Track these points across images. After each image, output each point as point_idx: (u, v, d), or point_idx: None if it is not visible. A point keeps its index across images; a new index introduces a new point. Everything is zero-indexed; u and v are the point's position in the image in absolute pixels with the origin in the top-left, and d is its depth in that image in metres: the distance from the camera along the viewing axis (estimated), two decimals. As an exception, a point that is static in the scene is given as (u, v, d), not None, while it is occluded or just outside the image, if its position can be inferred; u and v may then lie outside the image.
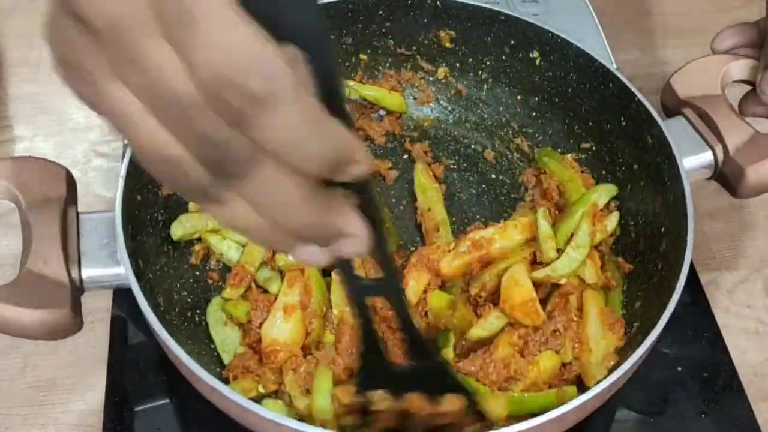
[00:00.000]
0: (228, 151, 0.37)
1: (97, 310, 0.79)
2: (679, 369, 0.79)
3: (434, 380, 0.65)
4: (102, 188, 0.91)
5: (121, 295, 0.80)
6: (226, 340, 0.74)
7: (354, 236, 0.43)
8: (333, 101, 0.39)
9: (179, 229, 0.76)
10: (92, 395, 0.75)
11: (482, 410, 0.66)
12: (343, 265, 0.55)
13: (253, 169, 0.38)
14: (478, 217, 0.86)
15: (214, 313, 0.76)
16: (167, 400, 0.75)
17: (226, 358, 0.73)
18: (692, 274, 0.84)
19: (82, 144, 0.95)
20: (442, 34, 0.90)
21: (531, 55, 0.88)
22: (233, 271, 0.76)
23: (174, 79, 0.35)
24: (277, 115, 0.36)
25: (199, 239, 0.79)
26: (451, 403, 0.64)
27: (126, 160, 0.70)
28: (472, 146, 0.93)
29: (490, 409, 0.66)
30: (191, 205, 0.79)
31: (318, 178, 0.39)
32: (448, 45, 0.91)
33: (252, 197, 0.39)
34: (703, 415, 0.76)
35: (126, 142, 0.41)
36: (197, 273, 0.78)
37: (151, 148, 0.38)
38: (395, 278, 0.59)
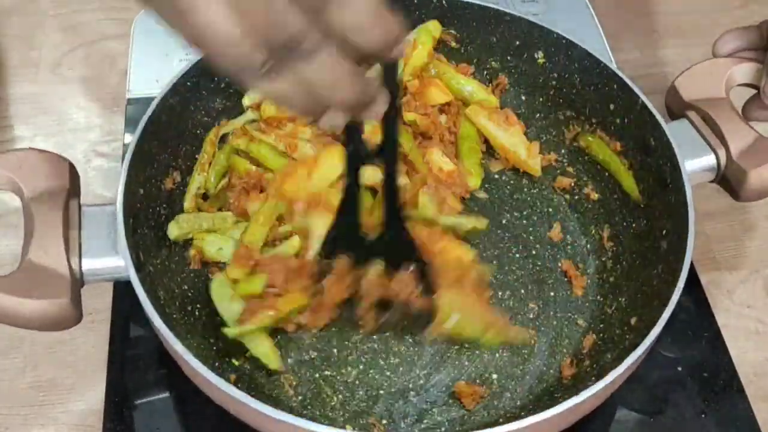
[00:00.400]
0: (298, 36, 0.44)
1: (98, 310, 0.79)
2: (679, 369, 0.78)
3: (396, 250, 0.69)
4: (102, 188, 0.91)
5: (122, 295, 0.80)
6: (234, 314, 0.73)
7: (380, 102, 0.53)
8: None
9: (176, 229, 0.76)
10: (92, 395, 0.75)
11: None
12: (353, 132, 0.60)
13: (317, 53, 0.46)
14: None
15: (218, 289, 0.74)
16: (167, 400, 0.75)
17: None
18: (692, 274, 0.84)
19: (82, 144, 0.95)
20: (447, 34, 0.91)
21: (536, 56, 0.88)
22: (237, 253, 0.75)
23: None
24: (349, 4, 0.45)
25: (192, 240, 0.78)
26: (403, 283, 0.70)
27: (129, 153, 0.71)
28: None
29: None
30: (186, 205, 0.79)
31: (368, 58, 0.49)
32: (453, 45, 0.92)
33: (311, 75, 0.47)
34: (703, 415, 0.76)
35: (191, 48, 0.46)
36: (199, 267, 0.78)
37: (221, 33, 0.44)
38: (395, 143, 0.63)
